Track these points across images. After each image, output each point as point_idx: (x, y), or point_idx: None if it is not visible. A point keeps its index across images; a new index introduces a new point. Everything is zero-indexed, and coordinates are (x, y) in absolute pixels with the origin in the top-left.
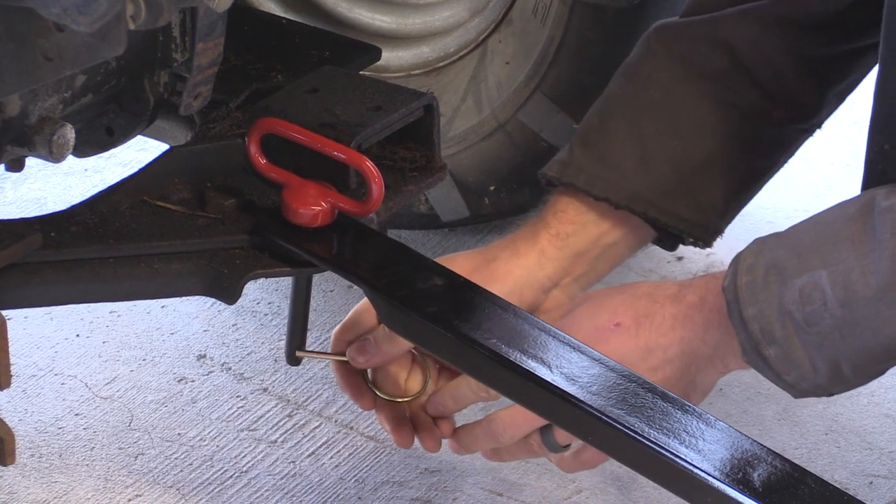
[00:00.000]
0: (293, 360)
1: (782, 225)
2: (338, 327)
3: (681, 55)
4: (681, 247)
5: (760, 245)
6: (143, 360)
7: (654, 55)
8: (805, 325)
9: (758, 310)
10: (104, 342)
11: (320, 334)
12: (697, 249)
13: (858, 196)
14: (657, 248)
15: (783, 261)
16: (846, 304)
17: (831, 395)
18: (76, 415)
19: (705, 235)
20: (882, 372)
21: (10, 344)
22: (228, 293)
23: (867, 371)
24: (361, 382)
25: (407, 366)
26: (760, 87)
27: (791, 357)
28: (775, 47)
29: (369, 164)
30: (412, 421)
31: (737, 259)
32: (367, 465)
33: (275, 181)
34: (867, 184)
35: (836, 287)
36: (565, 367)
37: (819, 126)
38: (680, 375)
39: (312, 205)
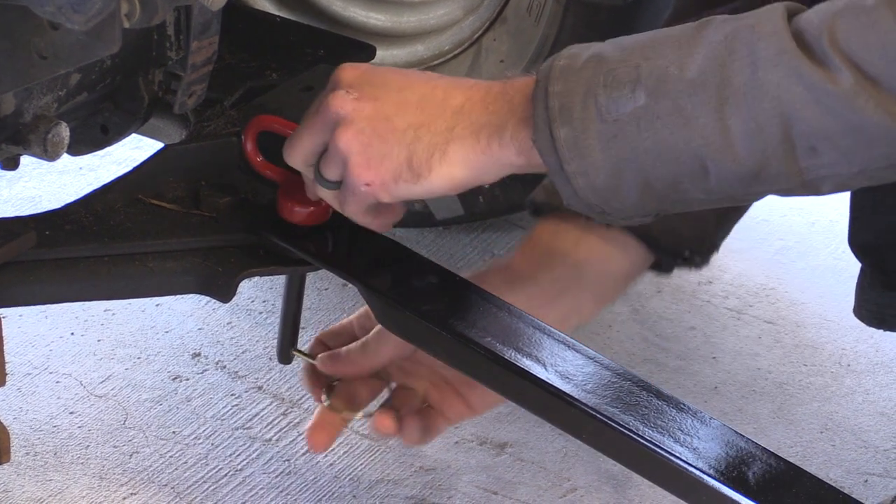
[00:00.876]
0: (284, 359)
1: (777, 223)
2: (324, 331)
3: None
4: None
5: (593, 44)
6: (138, 358)
7: None
8: (605, 111)
9: (564, 87)
10: (99, 340)
11: (315, 332)
12: None
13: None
14: None
15: (607, 53)
16: (653, 94)
17: (602, 214)
18: (71, 413)
19: (703, 250)
20: (662, 203)
21: (5, 342)
22: (223, 291)
23: (646, 186)
24: (318, 385)
25: (373, 389)
26: None
27: (580, 143)
28: None
29: None
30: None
31: (564, 49)
32: (361, 464)
33: (270, 179)
34: None
35: (649, 78)
36: (560, 366)
37: None
38: (431, 111)
39: (307, 203)
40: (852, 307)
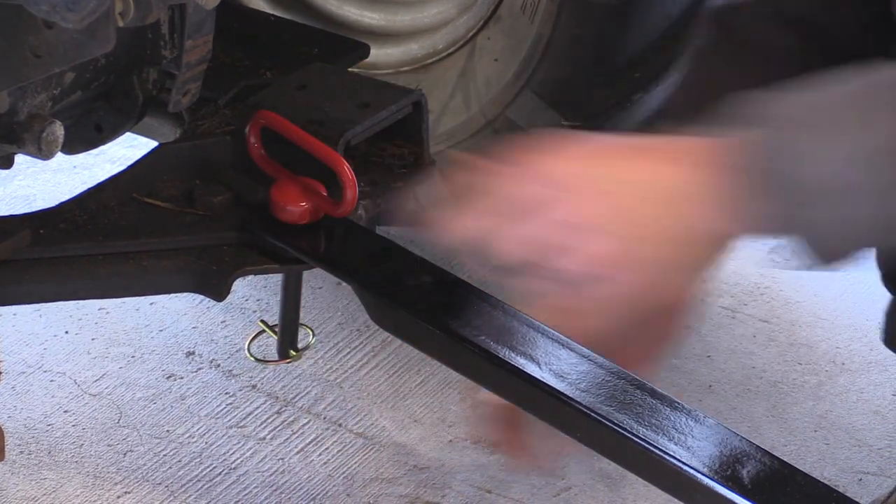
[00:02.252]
0: (285, 356)
1: None
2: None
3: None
4: None
5: (791, 103)
6: (132, 356)
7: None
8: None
9: (810, 166)
10: (93, 339)
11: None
12: None
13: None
14: None
15: (818, 121)
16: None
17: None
18: (65, 412)
19: None
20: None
21: None
22: (217, 290)
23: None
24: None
25: None
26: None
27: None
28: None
29: (345, 167)
30: None
31: (765, 114)
32: (355, 462)
33: (269, 174)
34: None
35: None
36: (554, 364)
37: None
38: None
39: (299, 202)
40: (881, 336)
